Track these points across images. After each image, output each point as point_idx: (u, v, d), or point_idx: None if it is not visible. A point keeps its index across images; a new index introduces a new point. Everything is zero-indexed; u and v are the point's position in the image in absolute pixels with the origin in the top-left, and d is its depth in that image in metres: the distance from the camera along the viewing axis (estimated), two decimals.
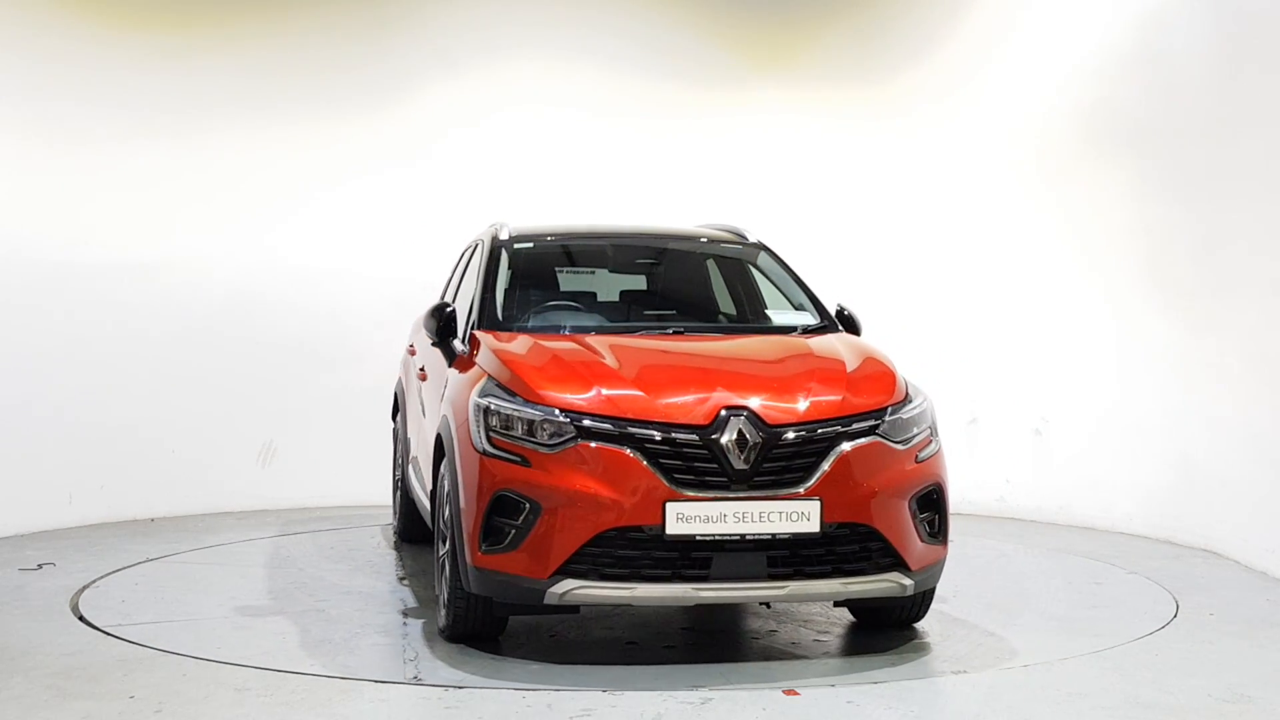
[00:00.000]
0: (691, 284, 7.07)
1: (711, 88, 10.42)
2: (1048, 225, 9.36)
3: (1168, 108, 8.38)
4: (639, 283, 7.21)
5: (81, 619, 6.13)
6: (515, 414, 5.29)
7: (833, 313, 6.58)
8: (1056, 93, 9.25)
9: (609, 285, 7.05)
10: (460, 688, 5.01)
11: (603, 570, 5.12)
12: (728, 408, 5.23)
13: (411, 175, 9.98)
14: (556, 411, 5.24)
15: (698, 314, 6.79)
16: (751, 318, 6.73)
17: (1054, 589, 7.01)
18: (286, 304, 9.61)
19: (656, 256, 7.15)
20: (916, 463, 5.47)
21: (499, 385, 5.45)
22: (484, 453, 5.30)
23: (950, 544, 5.71)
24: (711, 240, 7.20)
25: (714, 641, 5.85)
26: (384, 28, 9.95)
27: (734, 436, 5.16)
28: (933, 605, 6.54)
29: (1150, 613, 6.38)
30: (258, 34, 9.61)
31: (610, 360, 5.55)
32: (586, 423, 5.20)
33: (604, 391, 5.31)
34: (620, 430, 5.17)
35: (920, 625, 6.13)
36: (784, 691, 5.00)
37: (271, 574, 7.22)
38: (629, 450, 5.15)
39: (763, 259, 6.94)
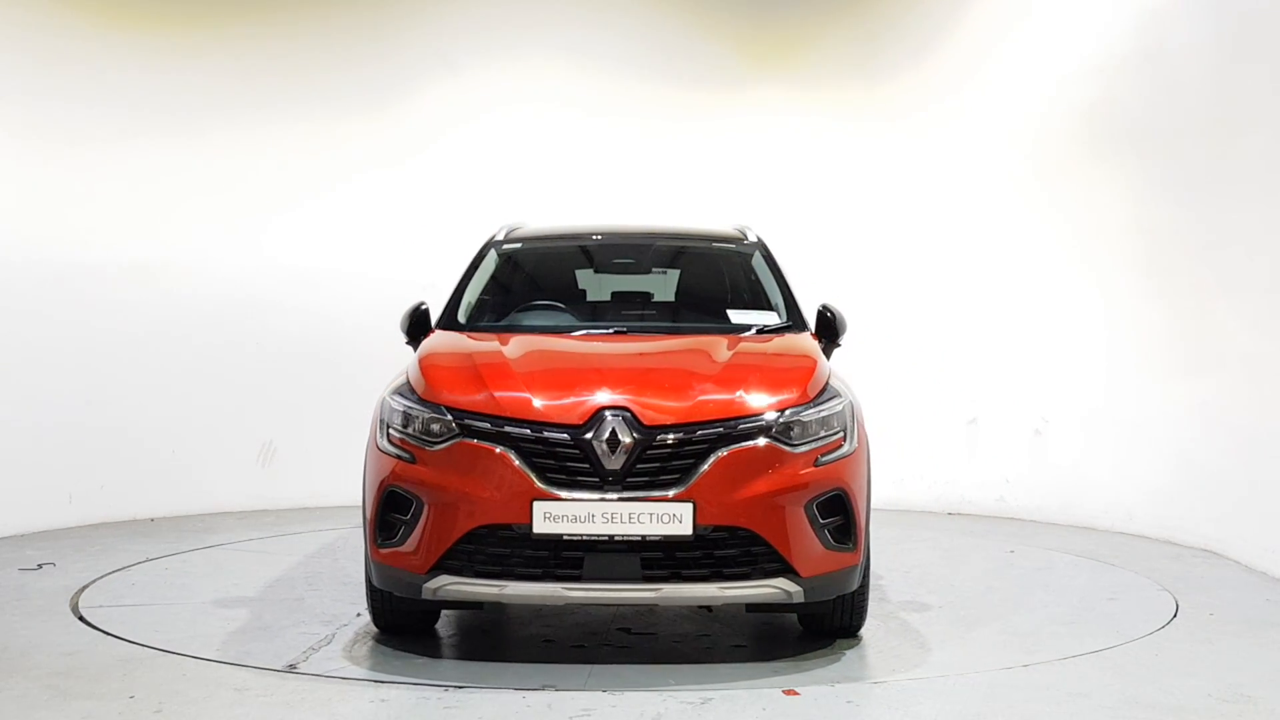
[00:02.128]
0: (678, 284, 7.04)
1: (711, 88, 10.43)
2: (1047, 225, 9.37)
3: (1167, 108, 8.39)
4: (623, 283, 7.19)
5: (81, 619, 6.13)
6: (409, 412, 5.42)
7: (812, 312, 6.47)
8: (1056, 93, 9.25)
9: (598, 285, 7.07)
10: (460, 688, 5.01)
11: (476, 567, 5.18)
12: (605, 408, 5.20)
13: (411, 175, 9.99)
14: (444, 410, 5.34)
15: (672, 315, 6.70)
16: (720, 318, 6.58)
17: (1053, 589, 7.01)
18: (286, 304, 9.62)
19: (645, 258, 7.14)
20: (816, 466, 5.29)
21: (407, 384, 5.61)
22: (382, 450, 5.46)
23: (864, 549, 5.46)
24: (708, 240, 7.17)
25: (715, 641, 5.85)
26: (384, 28, 9.96)
27: (606, 436, 5.14)
28: (932, 605, 6.55)
29: (1150, 613, 6.38)
30: (257, 34, 9.62)
31: (517, 361, 5.62)
32: (468, 421, 5.27)
33: (493, 392, 5.36)
34: (497, 429, 5.22)
35: (920, 625, 6.13)
36: (784, 691, 5.00)
37: (271, 574, 7.22)
38: (503, 449, 5.18)
39: (756, 259, 6.89)
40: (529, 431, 5.18)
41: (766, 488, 5.18)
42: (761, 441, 5.24)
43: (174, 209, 9.37)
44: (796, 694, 4.97)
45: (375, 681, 5.12)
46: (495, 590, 5.17)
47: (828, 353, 6.35)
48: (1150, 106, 8.53)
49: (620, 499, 5.08)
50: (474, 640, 5.83)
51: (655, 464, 5.14)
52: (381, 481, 5.39)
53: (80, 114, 9.00)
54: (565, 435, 5.15)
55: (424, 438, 5.33)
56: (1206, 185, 8.05)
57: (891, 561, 7.71)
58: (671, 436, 5.16)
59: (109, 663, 5.37)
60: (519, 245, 7.05)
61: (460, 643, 5.78)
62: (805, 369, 5.65)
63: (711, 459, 5.15)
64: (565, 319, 6.48)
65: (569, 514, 5.08)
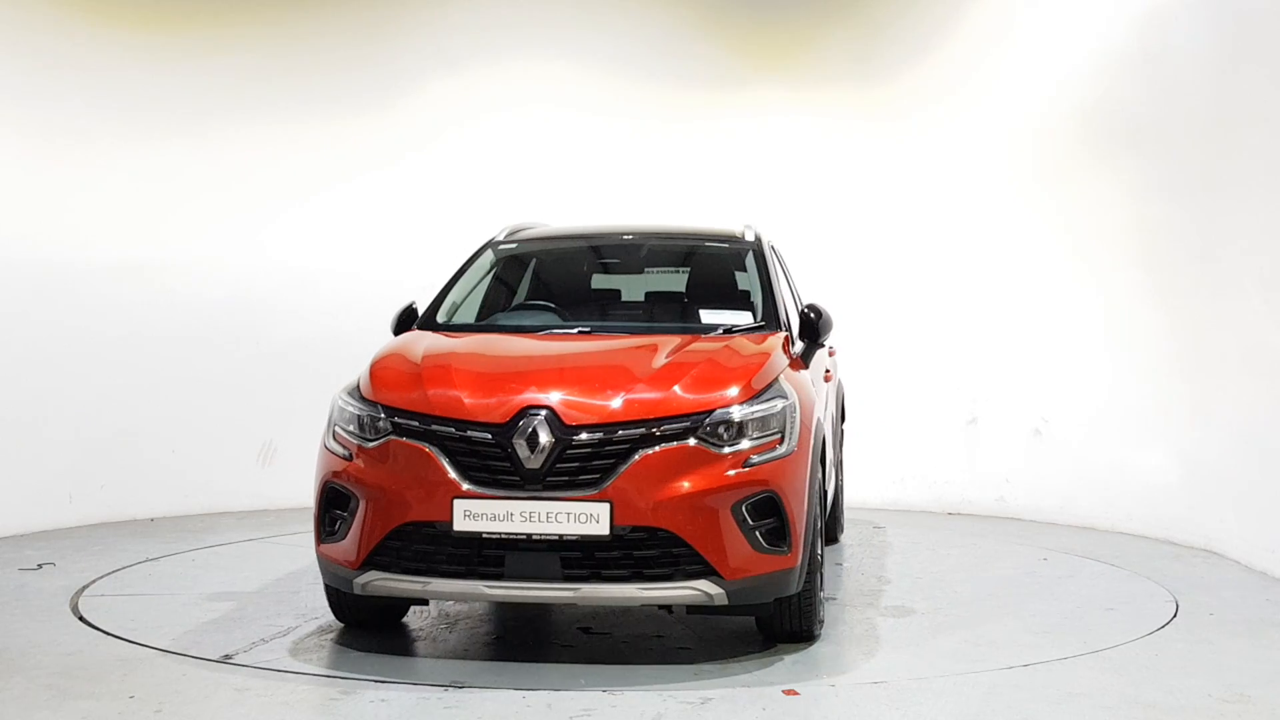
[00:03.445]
0: (665, 285, 7.03)
1: (711, 88, 10.43)
2: (1047, 225, 9.37)
3: (1166, 108, 8.39)
4: (613, 284, 7.19)
5: (81, 619, 6.13)
6: (350, 410, 5.55)
7: (795, 312, 6.41)
8: (1056, 93, 9.26)
9: (588, 285, 7.07)
10: (460, 688, 5.01)
11: (403, 564, 5.26)
12: (528, 407, 5.23)
13: (411, 176, 9.99)
14: (379, 408, 5.44)
15: (645, 315, 6.66)
16: (693, 319, 6.56)
17: (1053, 589, 7.01)
18: (286, 304, 9.62)
19: (638, 258, 7.13)
20: (745, 468, 5.24)
21: (356, 383, 5.71)
22: (328, 447, 5.59)
23: (804, 552, 5.38)
24: (702, 240, 7.13)
25: (716, 642, 5.85)
26: (384, 28, 9.96)
27: (527, 436, 5.17)
28: (932, 605, 6.54)
29: (1150, 613, 6.38)
30: (257, 34, 9.62)
31: (461, 361, 5.68)
32: (398, 419, 5.36)
33: (427, 391, 5.43)
34: (425, 427, 5.29)
35: (919, 625, 6.13)
36: (784, 691, 5.00)
37: (271, 574, 7.22)
38: (430, 447, 5.25)
39: (749, 258, 6.82)
40: (454, 430, 5.25)
41: (688, 489, 5.15)
42: (686, 442, 5.22)
43: (174, 209, 9.37)
44: (796, 694, 4.98)
45: (376, 681, 5.12)
46: (419, 587, 5.26)
47: (811, 353, 6.31)
48: (1150, 106, 8.53)
49: (538, 498, 5.11)
50: (474, 640, 5.83)
51: (575, 464, 5.15)
52: (323, 478, 5.53)
53: (80, 114, 9.00)
54: (488, 434, 5.21)
55: (361, 435, 5.45)
56: (1206, 185, 8.05)
57: (891, 561, 7.72)
58: (591, 436, 5.18)
59: (109, 663, 5.37)
60: (515, 246, 7.10)
61: (460, 642, 5.78)
62: (748, 369, 5.57)
63: (632, 459, 5.15)
64: (540, 319, 6.51)
65: (488, 512, 5.12)
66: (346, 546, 5.36)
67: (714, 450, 5.23)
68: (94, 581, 6.96)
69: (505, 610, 6.31)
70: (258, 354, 9.57)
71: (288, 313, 9.62)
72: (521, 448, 5.15)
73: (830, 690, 5.03)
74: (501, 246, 7.07)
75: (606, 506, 5.08)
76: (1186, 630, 6.05)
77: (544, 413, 5.20)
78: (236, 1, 9.61)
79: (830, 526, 8.09)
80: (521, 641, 5.81)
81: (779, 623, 5.61)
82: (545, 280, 7.06)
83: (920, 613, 6.42)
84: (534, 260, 7.16)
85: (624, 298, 6.91)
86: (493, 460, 5.18)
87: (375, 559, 5.28)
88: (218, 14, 9.54)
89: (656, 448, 5.19)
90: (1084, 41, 9.08)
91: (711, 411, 5.29)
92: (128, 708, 4.77)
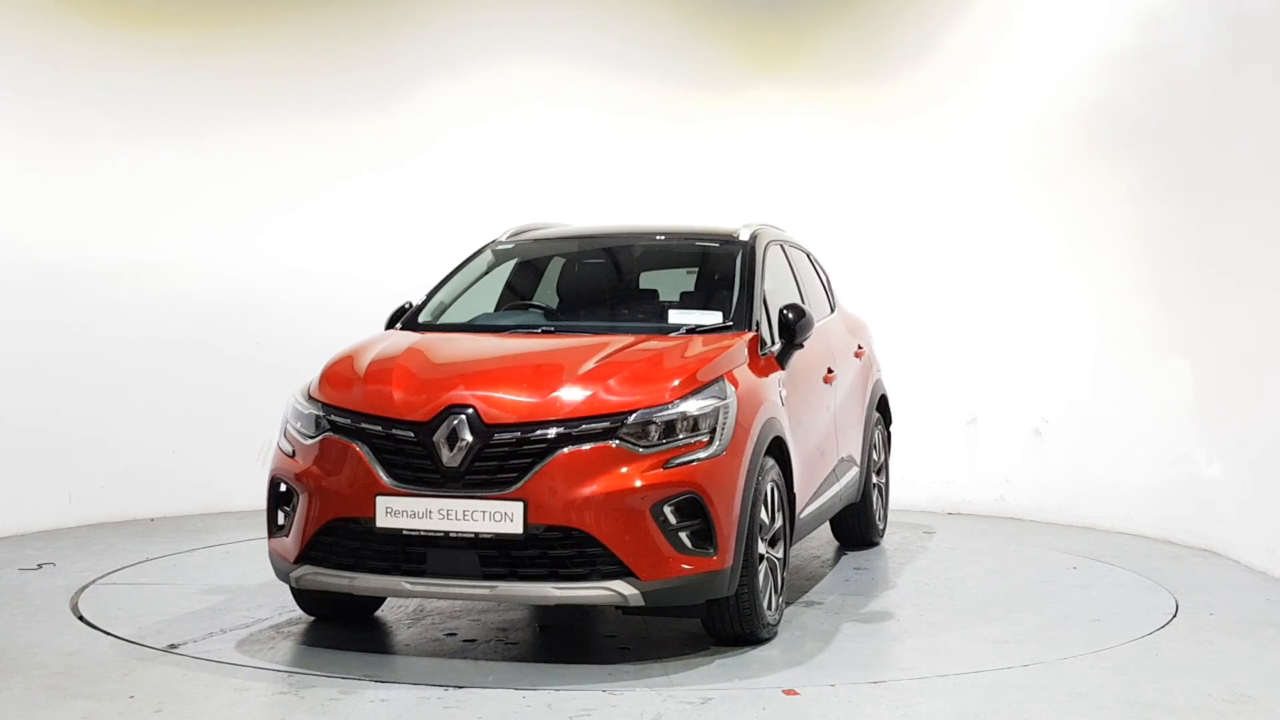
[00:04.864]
0: (639, 284, 7.01)
1: (711, 88, 10.42)
2: (1046, 225, 9.37)
3: (1167, 108, 8.38)
4: (603, 284, 7.14)
5: (81, 619, 6.13)
6: (297, 408, 5.72)
7: (767, 315, 6.34)
8: (1055, 93, 9.25)
9: (580, 286, 7.07)
10: (460, 688, 5.01)
11: (334, 559, 5.39)
12: (451, 406, 5.31)
13: (411, 176, 9.98)
14: (319, 406, 5.59)
15: (611, 315, 6.63)
16: (660, 318, 6.45)
17: (1053, 589, 7.01)
18: (286, 304, 9.60)
19: (630, 258, 7.11)
20: (666, 468, 5.23)
21: (309, 383, 5.85)
22: (279, 445, 5.76)
23: (736, 554, 5.35)
24: (695, 240, 7.07)
25: (716, 642, 5.84)
26: (384, 28, 9.94)
27: (447, 434, 5.24)
28: (931, 605, 6.55)
29: (1150, 613, 6.38)
30: (257, 34, 9.60)
31: (406, 359, 5.75)
32: (334, 417, 5.51)
33: (364, 389, 5.57)
34: (355, 425, 5.43)
35: (918, 625, 6.13)
36: (784, 691, 5.00)
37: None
38: (358, 444, 5.38)
39: (739, 258, 6.67)
40: (380, 428, 5.37)
41: (604, 489, 5.17)
42: (604, 442, 5.24)
43: (174, 209, 9.35)
44: (796, 694, 4.98)
45: (375, 681, 5.12)
46: (346, 581, 5.38)
47: (787, 354, 6.27)
48: (1150, 106, 8.53)
49: (457, 497, 5.19)
50: (474, 640, 5.83)
51: (493, 462, 5.22)
52: (270, 475, 5.70)
53: (80, 114, 8.99)
54: (411, 433, 5.31)
55: (303, 433, 5.60)
56: (1206, 185, 8.04)
57: (889, 560, 7.72)
58: (509, 436, 5.23)
59: (109, 663, 5.37)
60: (512, 246, 7.14)
61: (460, 642, 5.78)
62: (683, 370, 5.55)
63: (549, 459, 5.19)
64: (519, 319, 6.54)
65: (409, 509, 5.22)
66: (288, 542, 5.54)
67: (634, 451, 5.25)
68: (94, 581, 6.96)
69: (506, 610, 6.31)
70: (258, 354, 9.55)
71: (288, 313, 9.60)
72: (442, 446, 5.25)
73: (830, 690, 5.03)
74: (500, 247, 7.12)
75: (520, 505, 5.15)
76: (1186, 630, 6.05)
77: (466, 411, 5.28)
78: (236, 2, 9.60)
79: (863, 529, 7.97)
80: (521, 641, 5.81)
81: (719, 624, 5.60)
82: (536, 281, 7.09)
83: (921, 613, 6.42)
84: (530, 261, 7.18)
85: (608, 298, 6.90)
86: (415, 458, 5.29)
87: (309, 554, 5.44)
88: (216, 14, 9.52)
89: (575, 447, 5.22)
90: (1084, 41, 9.08)
91: (633, 412, 5.30)
92: (128, 708, 4.77)
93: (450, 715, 4.70)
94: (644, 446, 5.26)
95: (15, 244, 8.62)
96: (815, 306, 7.36)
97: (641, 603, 5.20)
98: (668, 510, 5.21)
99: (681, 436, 5.33)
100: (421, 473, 5.25)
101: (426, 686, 5.05)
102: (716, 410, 5.42)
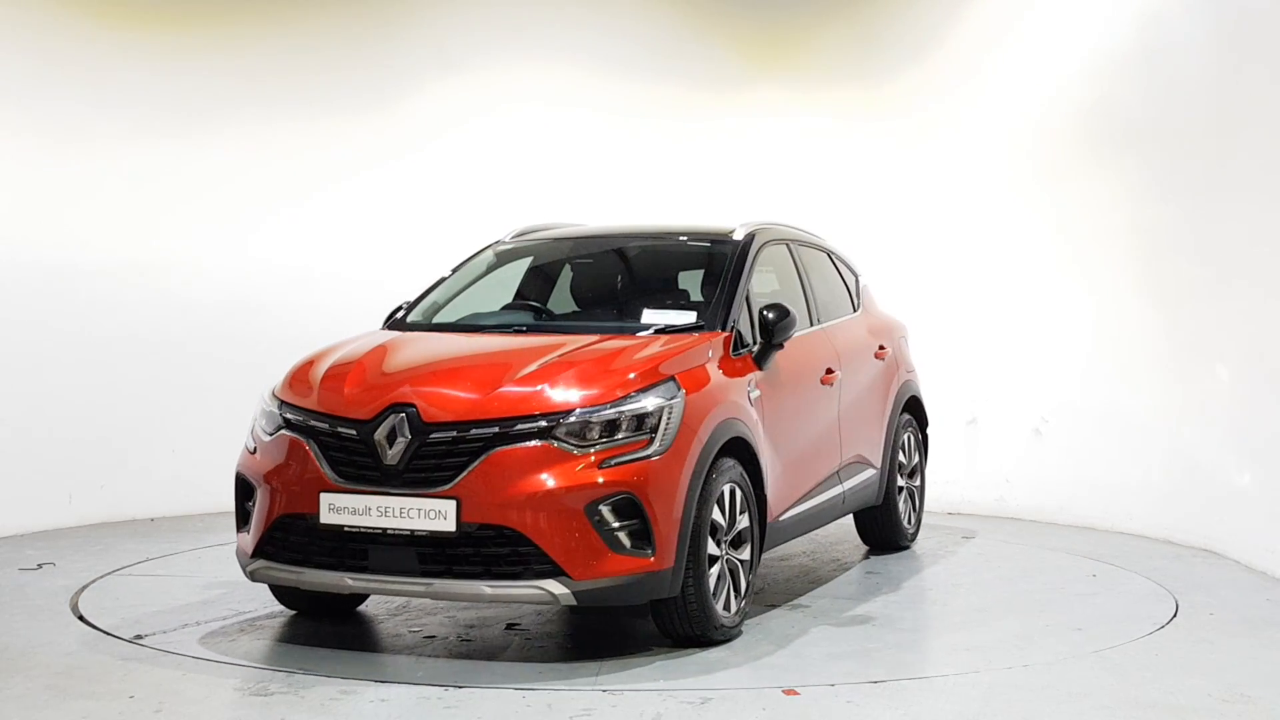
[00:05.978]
0: (622, 283, 6.99)
1: (711, 88, 10.42)
2: (1046, 225, 9.37)
3: (1166, 108, 8.39)
4: (595, 284, 7.14)
5: (81, 619, 6.13)
6: (263, 406, 5.85)
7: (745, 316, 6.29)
8: (1055, 93, 9.25)
9: (581, 285, 7.06)
10: (460, 687, 5.01)
11: (285, 554, 5.52)
12: (394, 404, 5.38)
13: (411, 176, 9.98)
14: (279, 404, 5.73)
15: (585, 315, 6.64)
16: (633, 318, 6.42)
17: (1053, 589, 7.01)
18: (285, 304, 9.60)
19: (625, 258, 7.09)
20: (602, 468, 5.23)
21: (278, 382, 5.96)
22: (246, 443, 5.88)
23: (678, 554, 5.33)
24: (688, 239, 7.04)
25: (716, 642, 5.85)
26: (383, 28, 9.94)
27: (387, 433, 5.33)
28: (931, 604, 6.55)
29: (1150, 613, 6.38)
30: (256, 34, 9.60)
31: (369, 359, 5.86)
32: (288, 415, 5.64)
33: (321, 388, 5.67)
34: (305, 422, 5.56)
35: (917, 625, 6.13)
36: (784, 691, 5.00)
37: None
38: (307, 442, 5.50)
39: (730, 258, 6.59)
40: (327, 426, 5.48)
41: (538, 488, 5.20)
42: (541, 441, 5.27)
43: (174, 209, 9.35)
44: (796, 694, 4.98)
45: (375, 681, 5.12)
46: (295, 576, 5.52)
47: (766, 354, 6.22)
48: (1149, 107, 8.53)
49: (394, 494, 5.26)
50: (474, 640, 5.83)
51: (431, 460, 5.29)
52: (236, 471, 5.83)
53: (79, 114, 8.99)
54: (354, 431, 5.41)
55: (265, 430, 5.73)
56: (1205, 186, 8.04)
57: (887, 559, 7.72)
58: (445, 434, 5.29)
59: (109, 663, 5.38)
60: (512, 246, 7.17)
61: (461, 642, 5.79)
62: (632, 369, 5.54)
63: (483, 458, 5.24)
64: (495, 319, 6.57)
65: (349, 506, 5.32)
66: (247, 537, 5.67)
67: (569, 450, 5.27)
68: (94, 581, 6.96)
69: (506, 609, 6.31)
70: (257, 354, 9.52)
71: (287, 313, 9.60)
72: (383, 444, 5.33)
73: (830, 690, 5.04)
74: (502, 248, 7.15)
75: (454, 504, 5.21)
76: (1186, 630, 6.06)
77: (408, 410, 5.35)
78: (236, 2, 9.60)
79: (889, 532, 7.92)
80: (521, 641, 5.81)
81: (667, 625, 5.59)
82: (535, 281, 7.09)
83: (917, 614, 6.42)
84: (529, 261, 7.17)
85: (599, 298, 6.89)
86: (358, 456, 5.38)
87: (263, 548, 5.57)
88: (216, 14, 9.52)
89: (510, 446, 5.26)
90: (1084, 42, 9.08)
91: (572, 411, 5.33)
92: (128, 708, 4.77)
93: (450, 715, 4.70)
94: (582, 446, 5.29)
95: (15, 244, 8.62)
96: (828, 307, 7.35)
97: (574, 602, 5.22)
98: (604, 510, 5.23)
99: (621, 436, 5.35)
100: (364, 470, 5.35)
101: (426, 686, 5.05)
102: (660, 410, 5.42)
